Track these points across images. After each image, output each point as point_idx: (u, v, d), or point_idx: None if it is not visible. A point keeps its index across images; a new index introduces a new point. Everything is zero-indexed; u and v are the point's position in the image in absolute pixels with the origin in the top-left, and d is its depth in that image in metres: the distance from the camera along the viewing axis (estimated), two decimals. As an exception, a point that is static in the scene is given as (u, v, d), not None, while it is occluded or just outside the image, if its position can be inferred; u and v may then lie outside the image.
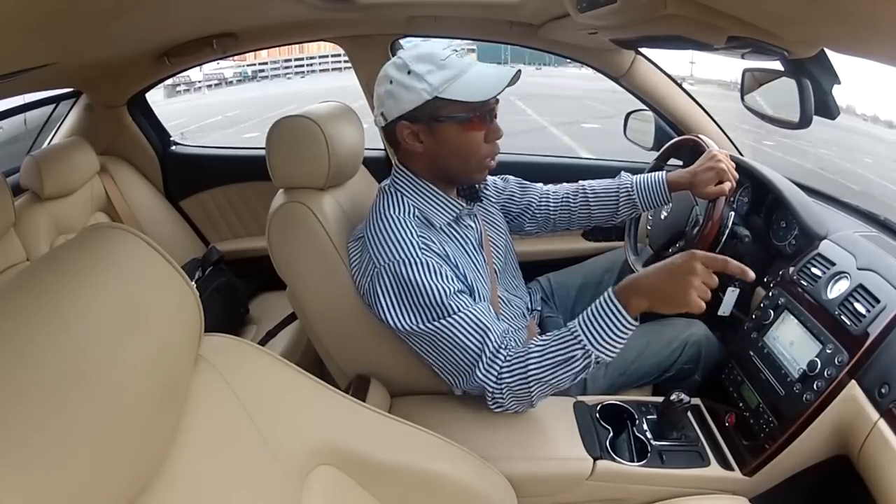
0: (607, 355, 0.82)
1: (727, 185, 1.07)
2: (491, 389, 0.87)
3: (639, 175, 1.17)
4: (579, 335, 0.81)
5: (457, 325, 0.86)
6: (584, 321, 0.82)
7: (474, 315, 0.87)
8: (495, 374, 0.86)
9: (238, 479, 0.49)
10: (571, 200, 1.20)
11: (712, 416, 1.00)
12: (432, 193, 0.95)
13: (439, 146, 0.90)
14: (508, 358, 0.86)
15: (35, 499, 0.31)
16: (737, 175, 1.10)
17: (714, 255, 0.77)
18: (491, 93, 0.87)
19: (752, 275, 0.77)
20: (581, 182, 1.21)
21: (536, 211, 1.21)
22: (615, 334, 0.80)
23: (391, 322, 0.88)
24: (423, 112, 0.87)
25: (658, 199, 1.14)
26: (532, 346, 0.85)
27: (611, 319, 0.80)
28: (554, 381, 0.84)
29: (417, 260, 0.86)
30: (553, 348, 0.83)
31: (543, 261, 1.56)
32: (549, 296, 1.36)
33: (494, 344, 0.86)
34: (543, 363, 0.83)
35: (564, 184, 1.23)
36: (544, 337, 0.86)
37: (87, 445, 0.35)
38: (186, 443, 0.46)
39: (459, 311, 0.86)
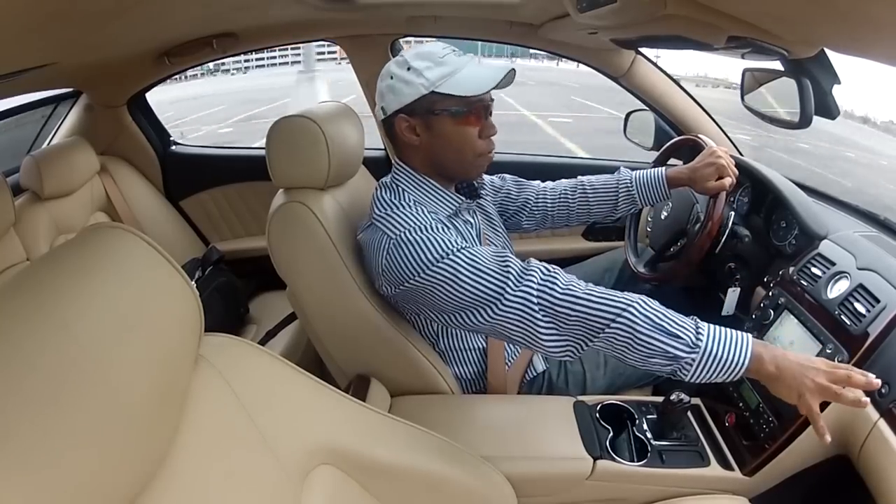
0: (698, 372, 0.75)
1: (727, 181, 1.08)
2: (537, 295, 0.80)
3: (638, 171, 1.17)
4: (703, 331, 0.76)
5: (472, 253, 0.84)
6: (716, 330, 0.76)
7: (486, 251, 0.85)
8: (530, 287, 0.80)
9: (238, 479, 0.49)
10: (570, 196, 1.20)
11: (712, 416, 1.00)
12: (431, 187, 0.97)
13: (434, 139, 0.93)
14: (573, 283, 0.81)
15: (35, 499, 0.31)
16: (737, 171, 1.10)
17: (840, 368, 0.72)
18: (484, 88, 0.90)
19: (875, 384, 0.70)
20: (580, 178, 1.22)
21: (534, 207, 1.21)
22: (719, 367, 0.74)
23: (410, 281, 0.85)
24: (421, 106, 0.91)
25: (657, 194, 1.15)
26: (633, 296, 0.79)
27: (732, 353, 0.74)
28: (641, 340, 0.76)
29: (429, 224, 0.88)
30: (671, 315, 0.77)
31: (543, 260, 1.56)
32: (549, 296, 1.35)
33: (517, 270, 0.82)
34: (650, 316, 0.76)
35: (562, 180, 1.23)
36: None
37: (87, 445, 0.35)
38: (186, 443, 0.46)
39: (476, 245, 0.87)
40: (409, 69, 0.90)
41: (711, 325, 0.77)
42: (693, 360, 0.75)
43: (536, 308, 0.80)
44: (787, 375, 0.72)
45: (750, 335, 0.76)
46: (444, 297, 0.85)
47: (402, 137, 0.94)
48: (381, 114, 0.96)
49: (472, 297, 0.83)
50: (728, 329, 0.77)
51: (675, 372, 0.76)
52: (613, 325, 0.77)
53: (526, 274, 0.82)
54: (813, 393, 0.70)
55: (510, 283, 0.81)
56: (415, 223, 0.88)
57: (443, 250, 0.84)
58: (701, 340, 0.75)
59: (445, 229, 0.89)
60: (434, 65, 0.89)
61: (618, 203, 1.17)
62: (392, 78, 0.91)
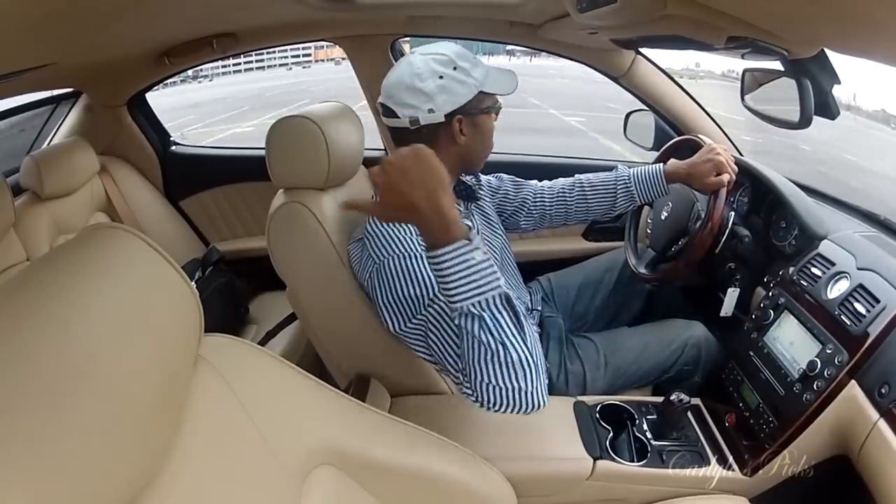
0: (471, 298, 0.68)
1: (726, 177, 1.08)
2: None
3: (636, 167, 1.17)
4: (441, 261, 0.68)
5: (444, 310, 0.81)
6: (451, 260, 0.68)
7: None
8: None
9: (238, 479, 0.49)
10: (568, 195, 1.20)
11: (712, 417, 1.00)
12: None
13: (476, 137, 0.97)
14: None
15: (35, 499, 0.31)
16: (735, 168, 1.11)
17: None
18: (514, 86, 0.97)
19: None
20: (577, 176, 1.22)
21: (532, 207, 1.21)
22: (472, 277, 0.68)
23: (391, 319, 0.85)
24: (472, 105, 0.93)
25: (656, 190, 1.15)
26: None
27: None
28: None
29: (414, 252, 0.84)
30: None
31: (543, 261, 1.56)
32: (549, 296, 1.36)
33: None
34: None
35: (560, 178, 1.23)
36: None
37: (87, 445, 0.34)
38: (186, 443, 0.46)
39: (499, 235, 0.91)
40: (455, 68, 0.90)
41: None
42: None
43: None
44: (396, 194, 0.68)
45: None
46: (422, 345, 0.85)
47: (455, 138, 0.93)
48: (429, 116, 0.90)
49: (442, 350, 0.80)
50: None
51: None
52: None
53: None
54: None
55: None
56: (400, 249, 0.84)
57: (424, 293, 0.81)
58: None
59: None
60: (473, 65, 0.92)
61: (616, 200, 1.17)
62: (442, 77, 0.89)
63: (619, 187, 1.16)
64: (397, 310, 0.84)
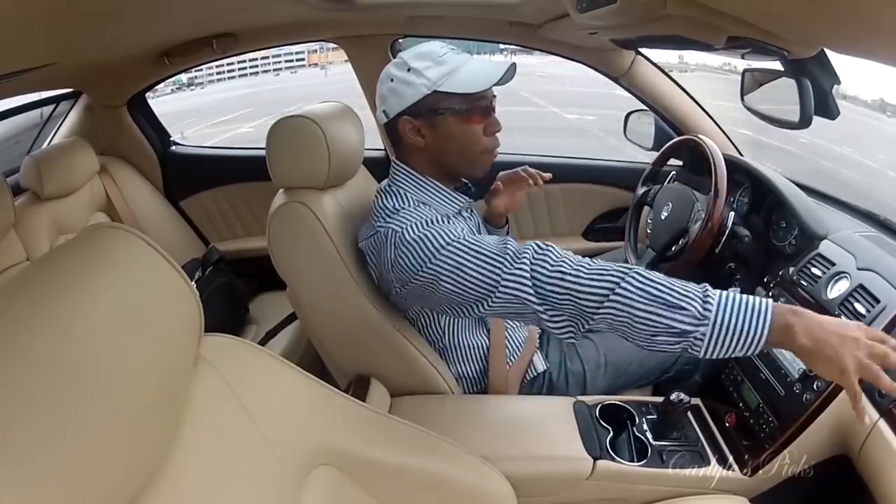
0: (709, 345, 0.68)
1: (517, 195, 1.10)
2: (530, 270, 0.76)
3: None
4: (711, 301, 0.68)
5: (478, 240, 0.82)
6: (726, 298, 0.68)
7: (487, 237, 0.84)
8: (528, 264, 0.77)
9: (238, 479, 0.49)
10: None
11: (712, 417, 1.00)
12: (434, 187, 0.97)
13: (440, 139, 0.93)
14: (565, 259, 0.76)
15: (35, 499, 0.31)
16: (530, 176, 1.09)
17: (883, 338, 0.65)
18: (485, 84, 0.90)
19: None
20: None
21: None
22: (738, 333, 0.66)
23: (422, 270, 0.83)
24: (424, 106, 0.90)
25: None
26: (577, 259, 0.76)
27: (750, 321, 0.66)
28: (640, 315, 0.69)
29: (433, 218, 0.88)
30: (669, 283, 0.70)
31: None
32: (549, 296, 1.35)
33: (513, 252, 0.80)
34: (645, 287, 0.70)
35: None
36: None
37: (87, 445, 0.35)
38: (186, 443, 0.46)
39: (478, 233, 0.88)
40: (409, 70, 0.89)
41: (724, 293, 0.69)
42: (703, 333, 0.67)
43: (531, 289, 0.76)
44: (826, 350, 0.64)
45: (772, 301, 0.68)
46: (450, 288, 0.82)
47: (407, 139, 0.94)
48: (383, 117, 0.95)
49: (474, 284, 0.80)
50: (745, 295, 0.68)
51: (686, 349, 0.69)
52: (608, 302, 0.71)
53: (520, 254, 0.79)
54: (855, 372, 0.62)
55: (506, 264, 0.78)
56: (418, 218, 0.88)
57: (445, 239, 0.84)
58: (710, 311, 0.67)
59: (447, 220, 0.90)
60: (434, 64, 0.89)
61: None
62: (392, 80, 0.91)
63: None
64: (426, 259, 0.83)
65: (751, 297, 0.68)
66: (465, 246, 0.82)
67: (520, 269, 0.77)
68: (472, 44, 1.87)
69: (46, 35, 0.93)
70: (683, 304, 0.68)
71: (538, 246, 0.80)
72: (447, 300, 0.85)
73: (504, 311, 0.82)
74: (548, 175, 1.10)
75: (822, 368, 0.65)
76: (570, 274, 0.74)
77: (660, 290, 0.70)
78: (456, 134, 0.93)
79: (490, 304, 0.81)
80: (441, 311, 0.97)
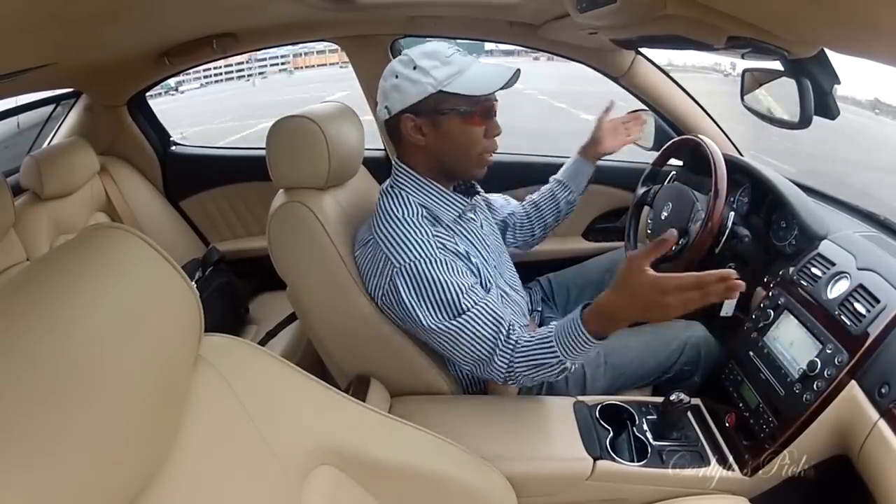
0: (577, 362, 0.88)
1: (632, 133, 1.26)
2: (503, 377, 0.91)
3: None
4: (553, 345, 0.86)
5: (476, 318, 0.88)
6: (559, 333, 0.85)
7: (489, 307, 0.90)
8: (506, 362, 0.89)
9: (238, 479, 0.49)
10: (527, 213, 1.29)
11: (712, 417, 1.00)
12: (436, 189, 0.97)
13: (441, 139, 0.93)
14: (517, 348, 0.90)
15: (35, 498, 0.31)
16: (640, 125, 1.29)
17: (648, 252, 0.77)
18: (492, 88, 0.90)
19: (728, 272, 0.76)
20: (527, 198, 1.31)
21: (515, 221, 1.28)
22: (582, 349, 0.84)
23: (417, 320, 0.89)
24: (427, 105, 0.90)
25: (580, 170, 1.27)
26: (523, 341, 0.89)
27: (578, 337, 0.83)
28: (539, 376, 0.89)
29: (435, 258, 0.89)
30: (535, 350, 0.88)
31: (543, 261, 1.56)
32: (549, 296, 1.36)
33: (506, 330, 0.89)
34: (526, 361, 0.88)
35: (518, 203, 1.32)
36: (536, 333, 0.90)
37: (87, 445, 0.34)
38: (186, 443, 0.46)
39: (476, 304, 0.89)
40: (415, 68, 0.89)
41: (556, 331, 0.85)
42: (567, 364, 0.86)
43: (500, 379, 0.91)
44: (639, 315, 0.78)
45: (577, 312, 0.83)
46: (440, 341, 0.91)
47: (408, 137, 0.93)
48: (384, 113, 0.95)
49: (462, 355, 0.91)
50: (565, 320, 0.85)
51: (570, 370, 0.89)
52: (511, 377, 0.90)
53: (507, 348, 0.89)
54: (680, 310, 0.75)
55: (500, 343, 0.89)
56: (421, 252, 0.88)
57: (451, 301, 0.88)
58: (557, 354, 0.85)
59: (452, 262, 0.90)
60: (441, 64, 0.89)
61: (559, 202, 1.27)
62: (397, 77, 0.91)
63: (556, 190, 1.27)
64: (432, 309, 0.89)
65: (568, 319, 0.85)
66: (469, 321, 0.88)
67: (507, 350, 0.89)
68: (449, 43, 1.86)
69: (46, 35, 0.93)
70: (547, 361, 0.86)
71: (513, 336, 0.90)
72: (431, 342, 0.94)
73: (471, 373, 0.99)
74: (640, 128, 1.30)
75: (658, 321, 0.83)
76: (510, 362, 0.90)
77: (535, 362, 0.87)
78: (457, 135, 0.93)
79: (465, 361, 0.92)
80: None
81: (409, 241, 0.89)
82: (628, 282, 0.77)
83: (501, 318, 0.89)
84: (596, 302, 0.82)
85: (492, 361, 0.89)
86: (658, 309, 0.75)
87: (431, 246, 0.90)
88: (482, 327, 0.88)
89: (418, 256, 0.88)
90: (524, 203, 1.30)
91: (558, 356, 0.85)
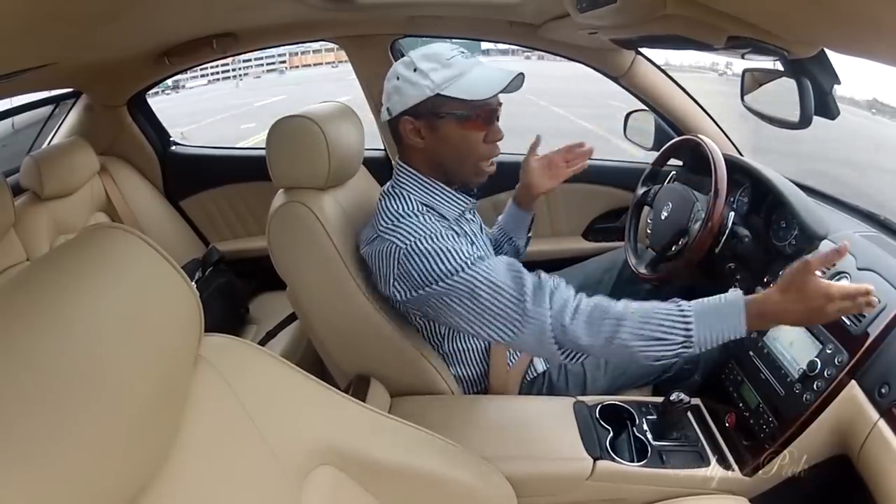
0: (702, 348, 0.79)
1: (559, 174, 1.12)
2: (549, 330, 0.81)
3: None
4: (691, 322, 0.78)
5: (489, 267, 0.84)
6: (701, 310, 0.78)
7: (501, 263, 0.86)
8: (547, 308, 0.81)
9: (238, 480, 0.49)
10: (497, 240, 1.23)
11: (712, 417, 1.00)
12: (437, 188, 0.97)
13: (439, 143, 0.92)
14: (594, 308, 0.81)
15: (35, 499, 0.31)
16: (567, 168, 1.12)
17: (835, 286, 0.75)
18: (490, 92, 0.88)
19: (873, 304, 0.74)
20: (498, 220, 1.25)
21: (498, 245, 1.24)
22: (721, 336, 0.78)
23: (427, 291, 0.85)
24: (426, 108, 0.90)
25: (517, 223, 1.19)
26: (632, 307, 0.81)
27: (728, 324, 0.77)
28: (638, 351, 0.79)
29: (440, 233, 0.88)
30: (656, 320, 0.79)
31: (543, 261, 1.56)
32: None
33: (531, 280, 0.83)
34: (638, 331, 0.79)
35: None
36: (645, 304, 0.81)
37: (87, 445, 0.34)
38: (186, 443, 0.46)
39: (488, 258, 0.86)
40: (415, 70, 0.89)
41: (698, 309, 0.78)
42: (693, 345, 0.78)
43: (550, 335, 0.81)
44: (800, 319, 0.77)
45: (740, 294, 0.78)
46: (460, 310, 0.85)
47: (407, 139, 0.93)
48: (386, 115, 0.95)
49: (487, 313, 0.83)
50: (715, 303, 0.79)
51: (685, 356, 0.81)
52: (612, 347, 0.80)
53: (539, 296, 0.82)
54: (835, 317, 0.76)
55: (527, 305, 0.81)
56: (425, 231, 0.88)
57: (459, 262, 0.84)
58: (691, 332, 0.77)
59: (456, 237, 0.90)
60: (441, 66, 0.88)
61: (513, 244, 1.21)
62: (398, 79, 0.90)
63: (499, 238, 1.22)
64: (436, 280, 0.85)
65: (723, 304, 0.78)
66: (480, 273, 0.83)
67: (540, 317, 0.81)
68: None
69: (46, 35, 0.93)
70: (667, 336, 0.78)
71: (554, 292, 0.83)
72: (454, 319, 0.87)
73: (514, 345, 0.87)
74: (585, 162, 1.12)
75: (808, 324, 0.83)
76: (583, 327, 0.80)
77: (648, 329, 0.79)
78: (455, 139, 0.92)
79: (504, 336, 0.84)
80: (444, 323, 0.96)
81: (413, 226, 0.89)
82: (802, 285, 0.75)
83: (521, 270, 0.85)
84: (762, 297, 0.78)
85: (525, 319, 0.81)
86: (820, 314, 0.75)
87: (436, 225, 0.89)
88: (501, 274, 0.83)
89: (423, 235, 0.87)
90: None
91: (691, 334, 0.77)
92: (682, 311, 0.79)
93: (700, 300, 0.80)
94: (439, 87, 0.88)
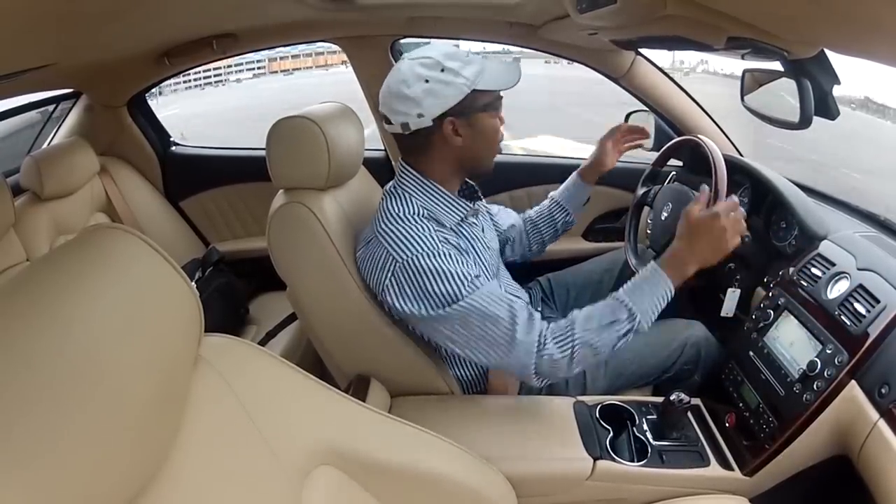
0: (648, 320, 0.88)
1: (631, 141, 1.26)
2: (534, 357, 0.87)
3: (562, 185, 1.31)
4: (626, 300, 0.88)
5: (484, 298, 0.87)
6: (627, 290, 0.89)
7: (497, 289, 0.90)
8: (535, 338, 0.87)
9: (238, 480, 0.49)
10: (524, 227, 1.30)
11: (712, 417, 1.00)
12: (440, 194, 0.96)
13: (477, 136, 0.95)
14: (553, 328, 0.88)
15: (35, 499, 0.31)
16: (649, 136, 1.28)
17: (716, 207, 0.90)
18: (514, 80, 0.93)
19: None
20: (524, 213, 1.32)
21: (513, 235, 1.29)
22: (658, 300, 0.88)
23: (421, 311, 0.88)
24: (464, 105, 0.91)
25: (580, 195, 1.28)
26: (575, 313, 0.89)
27: (658, 290, 0.88)
28: (597, 343, 0.86)
29: (438, 251, 0.88)
30: (598, 312, 0.88)
31: (543, 261, 1.56)
32: (549, 296, 1.36)
33: (524, 311, 0.88)
34: (588, 326, 0.87)
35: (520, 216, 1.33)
36: (584, 308, 0.90)
37: (87, 445, 0.34)
38: (186, 443, 0.46)
39: (483, 286, 0.88)
40: (443, 70, 0.88)
41: (628, 288, 0.90)
42: (640, 320, 0.87)
43: (533, 361, 0.87)
44: (707, 253, 0.90)
45: (653, 263, 0.91)
46: (448, 333, 0.89)
47: (449, 140, 0.92)
48: (418, 122, 0.90)
49: (476, 339, 0.88)
50: (638, 278, 0.90)
51: (635, 334, 0.89)
52: (577, 353, 0.87)
53: (530, 326, 0.87)
54: (733, 234, 0.90)
55: (517, 335, 0.86)
56: (424, 247, 0.88)
57: (455, 289, 0.86)
58: (632, 307, 0.87)
59: (455, 254, 0.89)
60: (464, 63, 0.90)
61: (556, 222, 1.28)
62: (427, 81, 0.88)
63: (554, 211, 1.28)
64: (430, 303, 0.87)
65: (644, 274, 0.90)
66: (475, 303, 0.86)
67: (528, 342, 0.86)
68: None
69: (46, 35, 0.93)
70: (617, 317, 0.87)
71: (541, 328, 0.88)
72: (439, 338, 0.92)
73: (498, 366, 0.91)
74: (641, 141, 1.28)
75: (715, 261, 0.91)
76: (558, 350, 0.87)
77: (598, 320, 0.87)
78: (488, 129, 0.95)
79: (489, 360, 0.90)
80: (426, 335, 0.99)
81: (412, 237, 0.89)
82: (691, 227, 0.90)
83: (512, 299, 0.88)
84: (668, 253, 0.91)
85: (513, 346, 0.86)
86: (718, 236, 0.88)
87: (434, 240, 0.89)
88: (493, 305, 0.86)
89: (421, 251, 0.87)
90: (523, 217, 1.31)
91: (632, 308, 0.86)
92: (615, 297, 0.89)
93: (624, 285, 0.91)
94: (474, 82, 0.90)
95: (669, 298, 0.89)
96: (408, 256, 0.87)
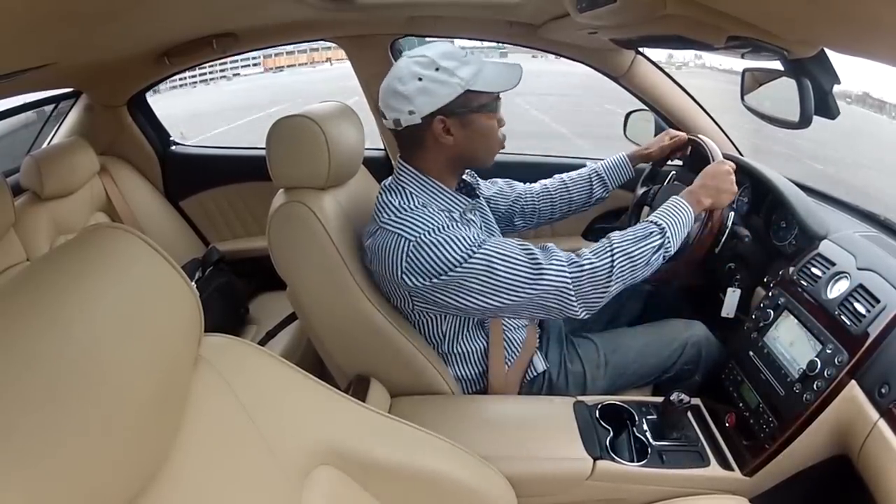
0: (675, 238, 0.95)
1: (683, 136, 1.27)
2: (570, 278, 0.89)
3: (606, 158, 1.30)
4: (653, 219, 0.95)
5: (498, 244, 0.90)
6: (661, 211, 0.97)
7: (505, 239, 0.92)
8: (560, 258, 0.90)
9: (238, 480, 0.49)
10: (551, 188, 1.28)
11: (712, 417, 1.00)
12: (438, 190, 0.97)
13: (469, 136, 0.95)
14: (591, 246, 0.93)
15: (35, 499, 0.31)
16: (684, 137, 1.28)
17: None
18: (512, 83, 0.93)
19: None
20: (557, 175, 1.31)
21: (524, 204, 1.27)
22: (681, 220, 0.96)
23: (442, 278, 0.88)
24: (456, 104, 0.91)
25: (622, 172, 1.28)
26: (611, 236, 0.95)
27: (681, 212, 0.97)
28: (634, 252, 0.91)
29: (443, 223, 0.90)
30: (631, 230, 0.94)
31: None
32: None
33: (536, 247, 0.91)
34: (624, 238, 0.92)
35: (541, 180, 1.32)
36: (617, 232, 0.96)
37: (87, 445, 0.34)
38: (186, 443, 0.46)
39: (492, 239, 0.91)
40: (437, 69, 0.89)
41: (658, 212, 0.97)
42: (668, 237, 0.93)
43: (568, 279, 0.89)
44: (712, 190, 1.02)
45: (676, 196, 1.01)
46: (479, 287, 0.89)
47: (438, 139, 0.93)
48: (409, 119, 0.91)
49: (505, 281, 0.88)
50: (666, 206, 0.98)
51: (665, 255, 0.95)
52: (616, 261, 0.91)
53: (548, 251, 0.91)
54: (730, 184, 1.03)
55: (540, 261, 0.89)
56: (431, 224, 0.89)
57: (468, 247, 0.88)
58: (662, 224, 0.94)
59: (459, 225, 0.91)
60: (461, 63, 0.90)
61: (592, 189, 1.28)
62: (421, 80, 0.89)
63: (592, 178, 1.28)
64: (450, 265, 0.88)
65: (671, 203, 0.99)
66: (491, 250, 0.89)
67: (557, 266, 0.89)
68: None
69: (46, 35, 0.93)
70: (650, 233, 0.93)
71: (561, 254, 0.92)
72: (473, 297, 0.90)
73: (536, 301, 0.90)
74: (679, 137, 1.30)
75: (723, 201, 1.03)
76: (591, 268, 0.91)
77: (633, 235, 0.93)
78: (484, 130, 0.95)
79: (525, 294, 0.89)
80: (451, 313, 0.98)
81: (417, 219, 0.90)
82: (705, 174, 1.04)
83: (521, 242, 0.92)
84: (687, 190, 1.02)
85: (541, 273, 0.88)
86: (721, 180, 1.02)
87: (440, 217, 0.91)
88: (508, 249, 0.89)
89: (429, 227, 0.89)
90: (548, 181, 1.29)
91: (662, 225, 0.93)
92: (648, 219, 0.96)
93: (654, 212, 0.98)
94: (469, 83, 0.90)
95: (690, 224, 0.97)
96: (419, 234, 0.88)
